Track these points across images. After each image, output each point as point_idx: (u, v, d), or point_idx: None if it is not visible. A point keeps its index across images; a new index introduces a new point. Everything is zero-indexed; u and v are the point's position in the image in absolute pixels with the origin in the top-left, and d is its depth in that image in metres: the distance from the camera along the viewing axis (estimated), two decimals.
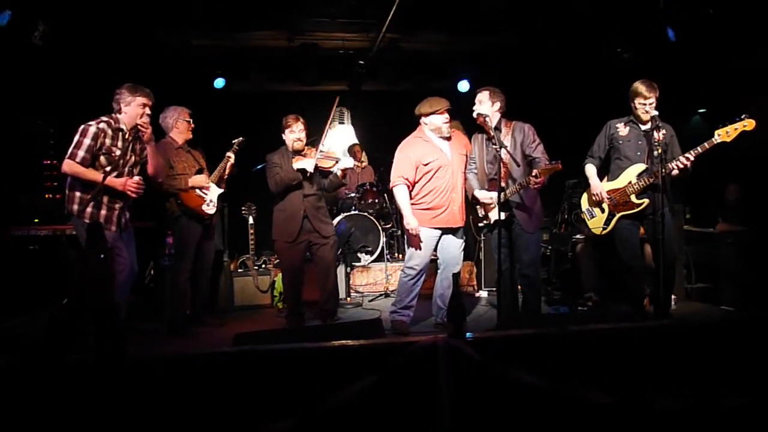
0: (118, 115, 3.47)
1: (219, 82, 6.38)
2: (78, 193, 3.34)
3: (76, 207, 3.34)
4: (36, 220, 4.64)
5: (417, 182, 4.03)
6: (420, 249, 4.03)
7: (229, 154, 4.30)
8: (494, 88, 3.87)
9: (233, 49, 6.20)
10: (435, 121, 4.00)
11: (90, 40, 5.08)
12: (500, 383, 1.63)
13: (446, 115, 4.00)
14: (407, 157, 4.02)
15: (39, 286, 4.05)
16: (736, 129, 3.49)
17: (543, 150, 3.77)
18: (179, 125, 4.18)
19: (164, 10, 4.97)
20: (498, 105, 3.83)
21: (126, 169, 3.48)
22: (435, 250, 4.13)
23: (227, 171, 4.31)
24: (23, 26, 4.40)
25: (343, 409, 1.61)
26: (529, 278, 3.86)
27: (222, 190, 4.29)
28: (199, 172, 4.23)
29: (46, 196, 4.89)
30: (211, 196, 4.20)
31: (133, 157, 3.53)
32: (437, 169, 3.97)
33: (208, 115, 4.80)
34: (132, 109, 3.44)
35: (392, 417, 1.66)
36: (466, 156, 4.10)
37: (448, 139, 4.07)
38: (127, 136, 3.47)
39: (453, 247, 4.10)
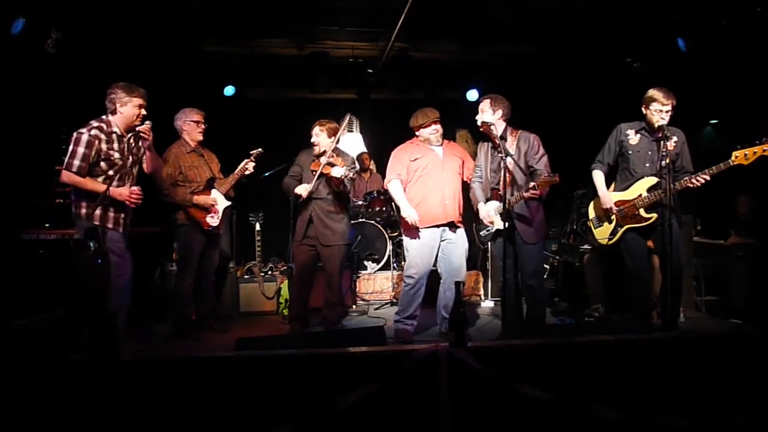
0: (111, 117, 3.40)
1: (229, 90, 6.43)
2: (86, 197, 3.33)
3: (84, 210, 3.31)
4: (47, 225, 4.68)
5: (409, 182, 4.11)
6: (418, 249, 4.04)
7: (247, 164, 4.26)
8: (496, 95, 3.87)
9: (246, 57, 6.26)
10: (423, 134, 4.16)
11: (103, 46, 5.15)
12: (500, 392, 1.61)
13: (434, 126, 4.12)
14: (399, 158, 4.18)
15: (47, 289, 4.07)
16: (755, 153, 3.32)
17: (546, 162, 3.75)
18: (186, 127, 4.23)
19: (177, 18, 5.03)
20: (500, 113, 3.82)
21: (127, 169, 3.44)
22: (435, 262, 4.11)
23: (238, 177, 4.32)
24: (36, 34, 4.46)
25: (342, 415, 1.60)
26: (533, 289, 3.82)
27: (229, 203, 4.30)
28: (210, 180, 4.24)
29: (57, 200, 4.93)
30: (218, 209, 4.20)
31: (131, 157, 3.49)
32: (426, 165, 4.07)
33: (221, 122, 4.84)
34: (128, 109, 3.39)
35: (392, 424, 1.65)
36: (463, 160, 4.20)
37: (441, 144, 4.19)
38: (125, 139, 3.43)
39: (455, 258, 4.08)
